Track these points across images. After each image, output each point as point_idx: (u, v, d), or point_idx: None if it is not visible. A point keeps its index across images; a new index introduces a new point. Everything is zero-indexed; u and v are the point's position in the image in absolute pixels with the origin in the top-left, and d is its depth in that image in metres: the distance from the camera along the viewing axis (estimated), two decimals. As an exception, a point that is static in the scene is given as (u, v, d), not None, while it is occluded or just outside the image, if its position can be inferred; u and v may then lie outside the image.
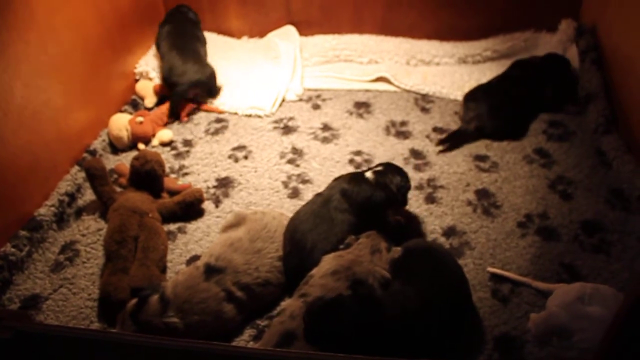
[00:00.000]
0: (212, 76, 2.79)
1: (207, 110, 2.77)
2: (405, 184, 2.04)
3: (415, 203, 2.21)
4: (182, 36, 2.86)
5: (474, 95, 2.62)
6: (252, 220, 1.93)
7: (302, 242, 1.86)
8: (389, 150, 2.48)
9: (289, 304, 1.71)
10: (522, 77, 2.65)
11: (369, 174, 2.03)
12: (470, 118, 2.54)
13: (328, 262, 1.77)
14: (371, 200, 1.97)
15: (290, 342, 1.57)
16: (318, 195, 2.02)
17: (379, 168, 2.05)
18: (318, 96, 2.86)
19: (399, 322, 1.57)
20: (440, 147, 2.47)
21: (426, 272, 1.71)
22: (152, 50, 3.02)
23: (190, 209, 2.19)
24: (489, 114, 2.51)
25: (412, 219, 2.14)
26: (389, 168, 2.06)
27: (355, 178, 2.03)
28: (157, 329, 1.67)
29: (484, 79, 2.81)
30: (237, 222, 1.96)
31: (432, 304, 1.62)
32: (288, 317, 1.63)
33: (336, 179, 2.07)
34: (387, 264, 1.78)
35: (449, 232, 2.09)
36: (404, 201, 2.07)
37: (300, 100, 2.84)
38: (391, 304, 1.61)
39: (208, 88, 2.79)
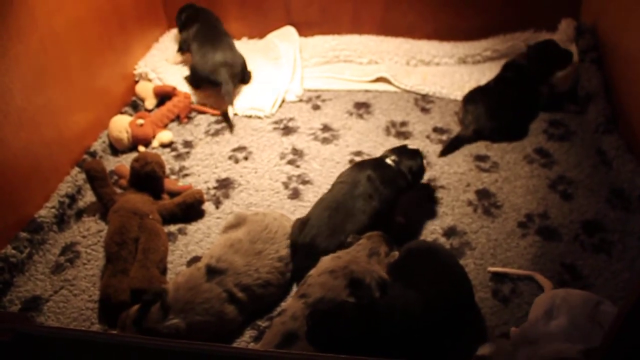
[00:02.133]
0: (243, 63, 2.83)
1: (202, 112, 2.77)
2: (418, 168, 2.09)
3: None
4: (212, 33, 2.87)
5: (472, 98, 2.61)
6: (253, 221, 1.93)
7: (315, 228, 1.89)
8: (389, 151, 2.48)
9: (290, 305, 1.71)
10: (516, 78, 2.63)
11: (389, 160, 2.06)
12: (469, 121, 2.54)
13: (326, 262, 1.78)
14: (395, 184, 2.01)
15: (293, 343, 1.57)
16: (342, 183, 2.02)
17: (394, 156, 2.08)
18: (318, 97, 2.86)
19: (401, 324, 1.57)
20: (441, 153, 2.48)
21: (428, 273, 1.71)
22: (152, 51, 3.02)
23: (190, 210, 2.19)
24: (487, 116, 2.51)
25: (412, 219, 2.14)
26: (404, 151, 2.12)
27: (379, 164, 2.06)
28: (160, 335, 1.66)
29: (483, 79, 2.81)
30: (238, 222, 1.95)
31: (435, 305, 1.61)
32: (289, 318, 1.63)
33: (358, 166, 2.08)
34: (385, 268, 1.78)
35: (450, 232, 2.09)
36: (417, 182, 2.14)
37: (300, 101, 2.84)
38: (393, 306, 1.60)
39: (236, 72, 2.79)
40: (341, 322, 1.53)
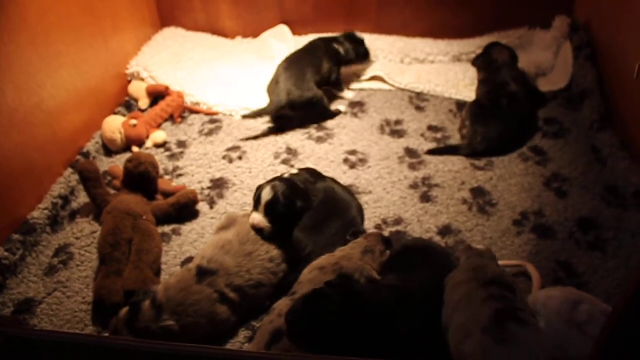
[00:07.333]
0: (305, 100, 2.60)
1: (196, 112, 2.76)
2: None
3: (410, 202, 2.20)
4: (300, 59, 2.73)
5: (482, 119, 2.44)
6: (242, 222, 1.92)
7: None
8: (383, 150, 2.47)
9: (279, 304, 1.71)
10: (526, 92, 2.54)
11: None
12: (478, 142, 2.41)
13: (318, 260, 1.79)
14: None
15: (280, 340, 1.58)
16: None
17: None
18: (312, 96, 2.84)
19: (393, 322, 1.56)
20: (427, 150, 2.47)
21: (423, 270, 1.70)
22: (144, 50, 3.00)
23: (184, 210, 2.18)
24: (498, 142, 2.41)
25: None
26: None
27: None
28: (154, 334, 1.66)
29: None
30: (228, 224, 1.95)
31: (429, 303, 1.61)
32: (277, 316, 1.63)
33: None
34: (379, 267, 1.78)
35: (445, 230, 2.08)
36: None
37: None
38: (385, 303, 1.59)
39: (302, 109, 2.62)
40: (319, 306, 1.51)
